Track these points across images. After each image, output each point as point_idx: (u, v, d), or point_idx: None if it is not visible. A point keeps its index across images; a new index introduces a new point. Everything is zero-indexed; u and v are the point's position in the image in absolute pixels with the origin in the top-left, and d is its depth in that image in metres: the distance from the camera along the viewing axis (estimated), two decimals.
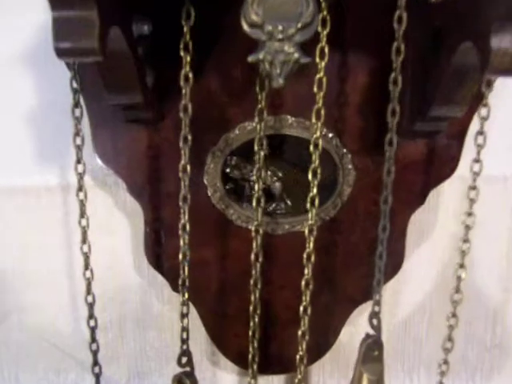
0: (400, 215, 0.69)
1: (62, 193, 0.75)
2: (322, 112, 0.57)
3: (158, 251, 0.70)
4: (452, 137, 0.69)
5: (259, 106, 0.58)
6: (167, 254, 0.70)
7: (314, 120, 0.57)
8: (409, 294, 0.82)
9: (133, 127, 0.66)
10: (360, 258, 0.71)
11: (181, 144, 0.57)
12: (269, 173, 0.69)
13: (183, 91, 0.56)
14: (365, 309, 0.70)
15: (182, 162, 0.58)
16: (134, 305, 0.81)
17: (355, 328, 0.76)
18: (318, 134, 0.57)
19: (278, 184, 0.70)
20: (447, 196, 0.77)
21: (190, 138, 0.57)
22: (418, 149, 0.69)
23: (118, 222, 0.77)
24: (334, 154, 0.68)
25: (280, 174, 0.70)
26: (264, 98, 0.57)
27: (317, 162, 0.56)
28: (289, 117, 0.67)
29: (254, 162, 0.63)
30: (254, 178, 0.65)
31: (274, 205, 0.71)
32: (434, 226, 0.79)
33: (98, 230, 0.68)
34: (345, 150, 0.68)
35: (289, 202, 0.71)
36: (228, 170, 0.69)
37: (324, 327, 0.74)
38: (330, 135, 0.67)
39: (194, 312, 0.72)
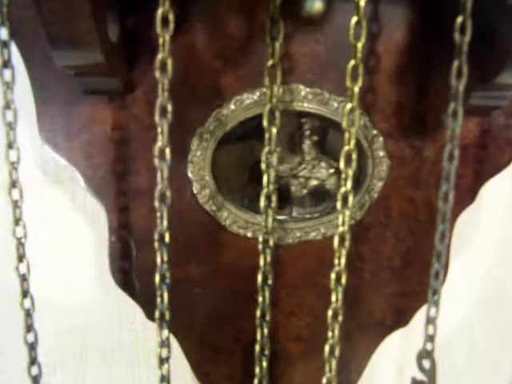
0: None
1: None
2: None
3: (127, 267, 0.54)
4: (511, 114, 0.55)
5: (270, 61, 0.40)
6: (139, 271, 0.54)
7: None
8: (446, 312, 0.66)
9: (92, 101, 0.52)
10: (392, 272, 0.57)
11: (157, 119, 0.40)
12: (323, 164, 0.53)
13: (160, 40, 0.39)
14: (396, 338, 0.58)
15: (159, 143, 0.40)
16: (99, 333, 0.66)
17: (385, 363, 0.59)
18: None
19: (334, 178, 0.54)
20: (497, 192, 0.60)
21: (170, 109, 0.40)
22: (468, 130, 0.55)
23: (76, 229, 0.64)
24: (361, 138, 0.52)
25: (335, 165, 0.53)
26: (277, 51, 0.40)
27: (352, 142, 0.40)
28: (302, 87, 0.52)
29: (303, 151, 0.49)
30: (305, 172, 0.52)
31: (323, 206, 0.55)
32: (480, 229, 0.63)
33: (51, 240, 0.59)
34: (375, 132, 0.53)
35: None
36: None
37: (345, 361, 0.57)
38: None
39: (175, 344, 0.56)
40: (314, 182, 0.53)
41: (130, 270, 0.55)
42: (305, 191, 0.53)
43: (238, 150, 0.53)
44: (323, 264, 0.52)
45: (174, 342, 0.56)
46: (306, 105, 0.51)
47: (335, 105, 0.51)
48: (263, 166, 0.42)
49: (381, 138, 0.53)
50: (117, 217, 0.54)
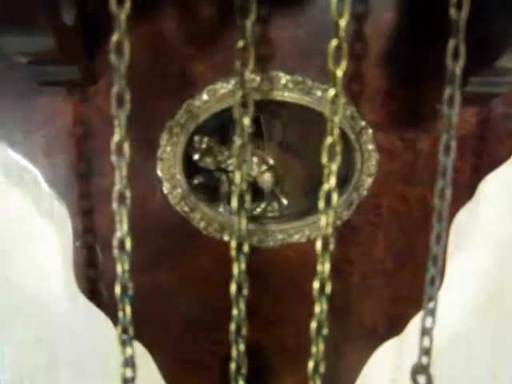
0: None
1: None
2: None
3: (93, 275, 0.49)
4: (511, 103, 0.50)
5: (241, 42, 0.35)
6: (106, 279, 0.50)
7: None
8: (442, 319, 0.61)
9: (51, 93, 0.47)
10: (384, 276, 0.52)
11: (113, 109, 0.35)
12: (255, 160, 0.48)
13: (116, 13, 0.34)
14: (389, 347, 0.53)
15: (117, 137, 0.35)
16: (68, 345, 0.60)
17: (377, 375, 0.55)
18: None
19: (267, 176, 0.50)
20: (496, 188, 0.56)
21: (128, 97, 0.35)
22: (465, 121, 0.50)
23: (40, 234, 0.59)
24: (347, 130, 0.47)
25: (271, 162, 0.50)
26: (249, 30, 0.35)
27: (336, 131, 0.35)
28: (282, 74, 0.47)
29: (233, 144, 0.42)
30: (233, 167, 0.47)
31: (262, 205, 0.50)
32: (476, 229, 0.58)
33: (13, 246, 0.55)
34: (363, 123, 0.48)
35: (284, 201, 0.50)
36: (196, 157, 0.49)
37: (335, 374, 0.53)
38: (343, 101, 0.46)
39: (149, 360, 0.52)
40: None
41: (96, 277, 0.50)
42: (233, 188, 0.49)
43: (193, 142, 0.48)
44: (308, 269, 0.47)
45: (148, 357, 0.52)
46: (286, 94, 0.46)
47: (319, 93, 0.47)
48: (234, 161, 0.38)
49: (369, 130, 0.48)
50: (81, 220, 0.49)
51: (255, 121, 0.48)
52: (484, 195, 0.58)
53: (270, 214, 0.51)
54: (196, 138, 0.48)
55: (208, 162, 0.49)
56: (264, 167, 0.49)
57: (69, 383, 0.62)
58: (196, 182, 0.49)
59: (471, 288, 0.62)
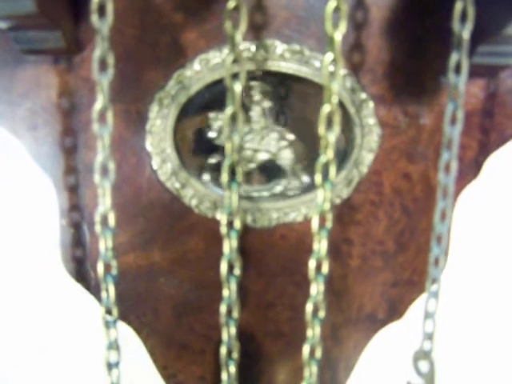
0: None
1: None
2: None
3: (80, 255, 0.46)
4: None
5: (232, 2, 0.33)
6: (93, 259, 0.47)
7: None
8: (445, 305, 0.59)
9: (35, 63, 0.45)
10: (385, 258, 0.50)
11: (95, 74, 0.33)
12: (274, 135, 0.46)
13: None
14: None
15: (99, 104, 0.33)
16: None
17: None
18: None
19: (287, 152, 0.47)
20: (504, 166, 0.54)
21: (111, 61, 0.33)
22: (472, 94, 0.47)
23: (26, 211, 0.56)
24: (347, 103, 0.45)
25: (291, 137, 0.47)
26: None
27: (334, 99, 0.32)
28: (278, 43, 0.44)
29: (250, 119, 0.44)
30: (252, 144, 0.46)
31: (283, 183, 0.48)
32: (484, 207, 0.56)
33: None
34: (364, 96, 0.45)
35: (305, 178, 0.48)
36: (213, 135, 0.46)
37: (331, 360, 0.51)
38: (343, 72, 0.44)
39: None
40: (262, 156, 0.46)
41: (83, 258, 0.48)
42: (252, 165, 0.46)
43: (207, 119, 0.46)
44: (305, 249, 0.45)
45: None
46: (282, 64, 0.44)
47: (317, 64, 0.44)
48: (226, 131, 0.35)
49: (371, 103, 0.46)
50: (67, 197, 0.47)
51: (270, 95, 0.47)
52: (494, 173, 0.56)
53: (291, 193, 0.48)
54: (211, 115, 0.46)
55: (224, 139, 0.46)
56: (283, 143, 0.47)
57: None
58: (213, 161, 0.47)
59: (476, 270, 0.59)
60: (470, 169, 0.48)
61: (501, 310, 0.60)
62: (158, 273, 0.48)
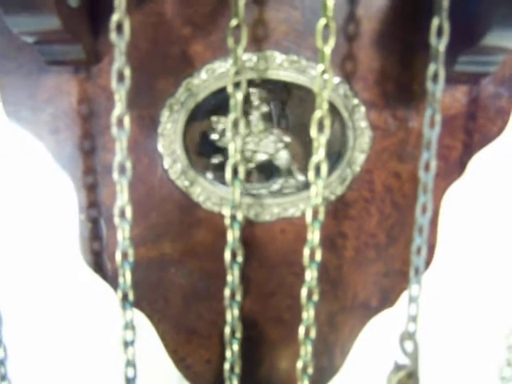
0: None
1: None
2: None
3: (98, 248, 0.51)
4: (501, 82, 0.51)
5: (234, 21, 0.37)
6: (110, 252, 0.51)
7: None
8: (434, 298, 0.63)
9: (57, 73, 0.49)
10: (377, 250, 0.54)
11: (113, 84, 0.37)
12: (271, 138, 0.50)
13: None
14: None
15: (117, 111, 0.37)
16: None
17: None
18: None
19: (284, 153, 0.51)
20: (490, 166, 0.57)
21: (128, 73, 0.37)
22: (456, 99, 0.51)
23: (46, 208, 0.60)
24: (341, 108, 0.49)
25: (287, 139, 0.51)
26: (242, 8, 0.37)
27: (324, 105, 0.37)
28: (277, 54, 0.48)
29: (250, 123, 0.47)
30: (251, 145, 0.49)
31: (280, 182, 0.51)
32: (470, 206, 0.59)
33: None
34: (356, 101, 0.49)
35: (300, 177, 0.52)
36: (215, 137, 0.50)
37: (328, 346, 0.55)
38: (336, 80, 0.48)
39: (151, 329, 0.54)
40: (261, 157, 0.50)
41: (100, 250, 0.52)
42: (251, 165, 0.50)
43: (211, 122, 0.50)
44: (303, 242, 0.49)
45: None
46: (281, 73, 0.48)
47: (313, 73, 0.48)
48: (229, 134, 0.39)
49: (362, 108, 0.50)
50: (86, 194, 0.51)
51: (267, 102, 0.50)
52: (480, 172, 0.59)
53: (287, 191, 0.52)
54: (214, 119, 0.49)
55: (226, 141, 0.50)
56: (280, 145, 0.50)
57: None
58: (216, 161, 0.50)
59: (464, 267, 0.63)
60: (454, 168, 0.52)
61: (483, 300, 0.63)
62: (168, 263, 0.52)
